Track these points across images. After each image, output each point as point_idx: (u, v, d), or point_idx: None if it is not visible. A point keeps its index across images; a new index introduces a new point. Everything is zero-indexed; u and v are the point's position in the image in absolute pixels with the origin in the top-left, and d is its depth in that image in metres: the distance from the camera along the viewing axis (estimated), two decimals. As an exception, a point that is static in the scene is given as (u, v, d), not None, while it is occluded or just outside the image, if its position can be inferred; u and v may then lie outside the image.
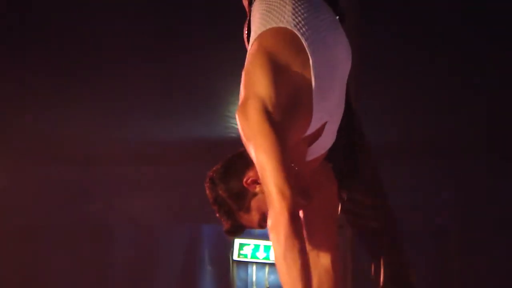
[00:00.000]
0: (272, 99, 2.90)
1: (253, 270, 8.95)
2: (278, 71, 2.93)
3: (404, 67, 7.17)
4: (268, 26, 3.01)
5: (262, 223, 3.08)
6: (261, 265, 8.91)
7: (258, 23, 3.10)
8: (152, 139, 8.10)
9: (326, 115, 3.03)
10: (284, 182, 2.82)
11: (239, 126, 2.95)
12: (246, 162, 3.08)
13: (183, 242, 8.84)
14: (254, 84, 2.93)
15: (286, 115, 2.91)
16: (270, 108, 2.89)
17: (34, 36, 6.81)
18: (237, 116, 2.95)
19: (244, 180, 3.08)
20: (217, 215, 3.16)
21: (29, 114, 7.43)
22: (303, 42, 2.97)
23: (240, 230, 3.16)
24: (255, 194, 3.09)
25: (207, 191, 3.14)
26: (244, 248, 8.85)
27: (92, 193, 8.33)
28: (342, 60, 3.11)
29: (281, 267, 2.79)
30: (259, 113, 2.89)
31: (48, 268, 8.33)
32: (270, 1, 3.18)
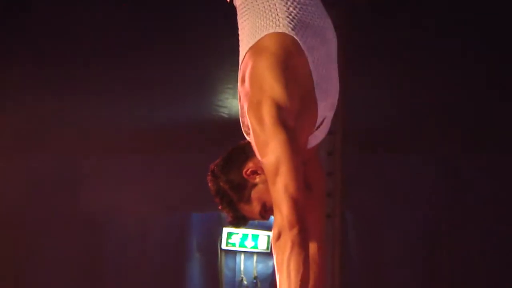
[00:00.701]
0: (286, 104, 2.94)
1: (241, 259, 8.99)
2: (287, 76, 2.96)
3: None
4: (266, 32, 3.04)
5: (263, 213, 3.14)
6: (249, 254, 8.94)
7: (254, 26, 3.14)
8: (141, 129, 8.12)
9: (327, 112, 3.09)
10: (298, 191, 2.88)
11: (251, 127, 3.01)
12: (245, 154, 3.16)
13: (171, 230, 8.87)
14: (266, 87, 2.97)
15: (297, 119, 2.97)
16: (284, 113, 2.94)
17: (28, 29, 6.82)
18: (249, 118, 3.00)
19: (244, 171, 3.13)
20: (220, 207, 3.21)
21: (16, 105, 7.45)
22: (302, 46, 3.01)
23: (243, 221, 3.23)
24: (255, 185, 3.15)
25: (209, 184, 3.21)
26: (232, 237, 8.88)
27: (81, 183, 8.35)
28: (334, 49, 3.16)
29: (282, 270, 2.87)
30: (274, 119, 2.93)
31: (38, 257, 8.37)
32: (258, 3, 3.21)
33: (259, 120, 2.96)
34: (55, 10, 6.67)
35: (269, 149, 2.93)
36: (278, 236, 2.86)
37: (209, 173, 3.22)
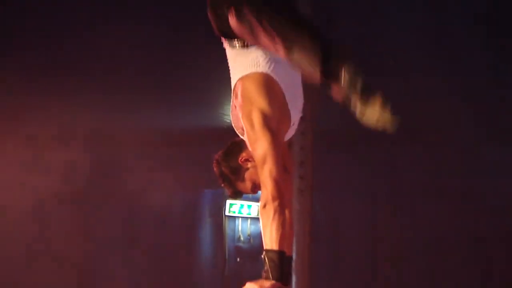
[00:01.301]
0: (269, 113, 2.98)
1: (239, 222, 9.08)
2: (268, 95, 3.01)
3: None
4: (250, 70, 3.09)
5: (253, 189, 3.21)
6: (245, 218, 9.08)
7: (243, 65, 3.15)
8: (168, 130, 8.20)
9: (296, 118, 3.15)
10: (278, 174, 2.94)
11: (245, 129, 3.06)
12: (240, 147, 3.22)
13: (190, 202, 9.02)
14: (254, 101, 3.01)
15: (277, 123, 3.02)
16: (267, 119, 2.98)
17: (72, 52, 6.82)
18: (243, 123, 3.06)
19: (240, 159, 3.20)
20: (222, 185, 3.30)
21: (86, 111, 7.49)
22: (276, 79, 3.04)
23: (239, 194, 3.30)
24: (247, 169, 3.21)
25: (214, 169, 3.28)
26: (233, 207, 9.02)
27: (126, 169, 8.40)
28: (299, 75, 3.18)
29: (267, 230, 2.91)
30: (261, 123, 2.99)
31: (97, 219, 8.35)
32: (243, 50, 3.18)
33: (251, 124, 2.99)
34: (109, 42, 6.68)
35: (258, 144, 2.97)
36: (264, 206, 2.92)
37: (214, 161, 3.31)
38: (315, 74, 2.73)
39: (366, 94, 2.70)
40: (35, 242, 7.71)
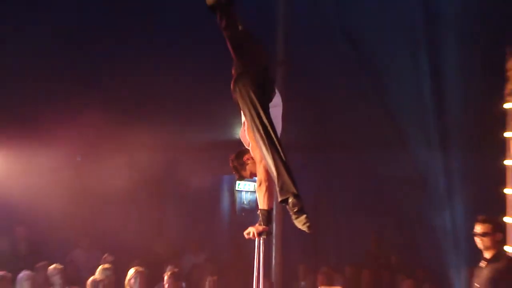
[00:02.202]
0: None
1: (243, 194, 9.25)
2: None
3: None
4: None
5: (251, 176, 3.36)
6: (247, 191, 9.19)
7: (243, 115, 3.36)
8: (203, 141, 8.19)
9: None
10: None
11: (250, 143, 3.14)
12: (244, 152, 3.40)
13: (216, 183, 9.20)
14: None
15: None
16: None
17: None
18: (250, 139, 3.16)
19: (244, 158, 3.37)
20: (233, 173, 3.50)
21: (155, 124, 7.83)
22: None
23: (242, 178, 3.50)
24: (248, 164, 3.33)
25: (230, 164, 3.48)
26: (240, 185, 9.20)
27: (178, 165, 8.43)
28: (279, 116, 3.27)
29: (261, 197, 3.11)
30: None
31: (163, 195, 8.51)
32: None
33: (254, 140, 3.06)
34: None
35: (257, 151, 3.04)
36: (260, 185, 3.08)
37: (230, 159, 3.42)
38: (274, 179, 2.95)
39: (297, 215, 2.86)
40: (128, 210, 7.99)
